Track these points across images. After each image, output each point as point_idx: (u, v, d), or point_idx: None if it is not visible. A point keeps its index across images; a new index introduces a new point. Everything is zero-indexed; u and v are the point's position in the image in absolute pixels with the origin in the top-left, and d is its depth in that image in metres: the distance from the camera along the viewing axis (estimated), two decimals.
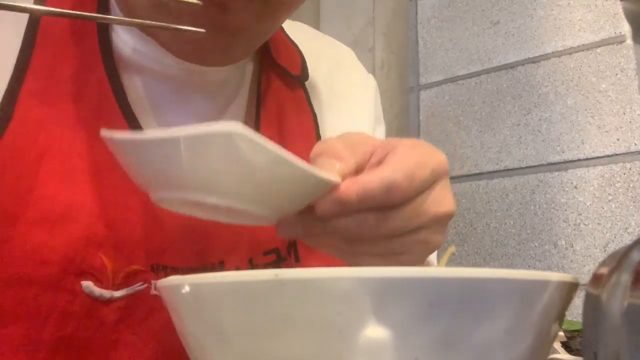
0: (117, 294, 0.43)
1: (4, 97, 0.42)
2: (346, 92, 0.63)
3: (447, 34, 1.37)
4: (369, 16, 1.39)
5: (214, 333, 0.26)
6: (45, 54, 0.44)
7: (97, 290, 0.42)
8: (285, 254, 0.51)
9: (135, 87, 0.48)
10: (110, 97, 0.46)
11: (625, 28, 1.12)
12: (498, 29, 1.29)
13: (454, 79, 1.34)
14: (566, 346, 0.60)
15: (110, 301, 0.42)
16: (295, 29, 0.62)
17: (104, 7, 0.48)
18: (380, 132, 0.65)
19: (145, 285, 0.44)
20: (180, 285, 0.27)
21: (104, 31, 0.47)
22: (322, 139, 0.57)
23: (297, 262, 0.52)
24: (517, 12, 1.27)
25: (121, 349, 0.43)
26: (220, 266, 0.48)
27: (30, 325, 0.40)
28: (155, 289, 0.44)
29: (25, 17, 0.45)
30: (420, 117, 1.39)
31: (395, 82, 1.39)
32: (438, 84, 1.37)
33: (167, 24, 0.39)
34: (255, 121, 0.54)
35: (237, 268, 0.48)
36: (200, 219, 0.43)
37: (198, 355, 0.28)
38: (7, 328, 0.40)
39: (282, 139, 0.54)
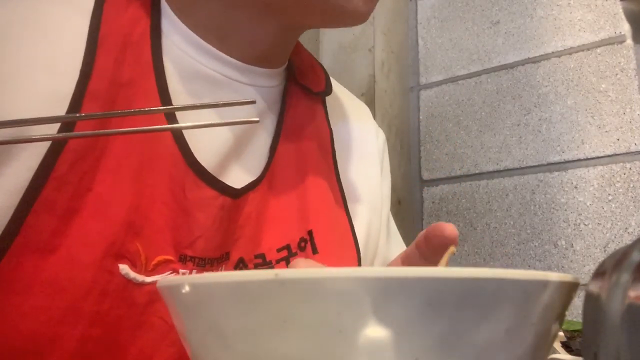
0: (149, 279, 0.47)
1: (72, 100, 0.46)
2: (359, 131, 0.70)
3: (447, 34, 1.37)
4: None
5: (214, 333, 0.26)
6: (106, 59, 0.48)
7: (132, 274, 0.46)
8: (296, 249, 0.55)
9: (181, 92, 0.52)
10: (157, 104, 0.50)
11: (625, 28, 1.12)
12: (498, 29, 1.29)
13: (454, 79, 1.34)
14: (566, 346, 0.60)
15: (142, 285, 0.46)
16: None
17: (157, 10, 0.53)
18: (386, 185, 0.71)
19: (174, 274, 0.48)
20: (180, 285, 0.27)
21: (156, 38, 0.51)
22: (335, 151, 0.64)
23: (315, 254, 0.56)
24: (517, 12, 1.27)
25: (148, 329, 0.47)
26: (226, 256, 0.52)
27: (73, 298, 0.44)
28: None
29: (85, 25, 0.49)
30: (420, 117, 1.39)
31: (395, 82, 1.39)
32: (438, 84, 1.37)
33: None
34: (278, 124, 0.60)
35: (241, 260, 0.53)
36: (224, 215, 0.51)
37: (198, 355, 0.28)
38: (54, 300, 0.44)
39: (298, 144, 0.60)
